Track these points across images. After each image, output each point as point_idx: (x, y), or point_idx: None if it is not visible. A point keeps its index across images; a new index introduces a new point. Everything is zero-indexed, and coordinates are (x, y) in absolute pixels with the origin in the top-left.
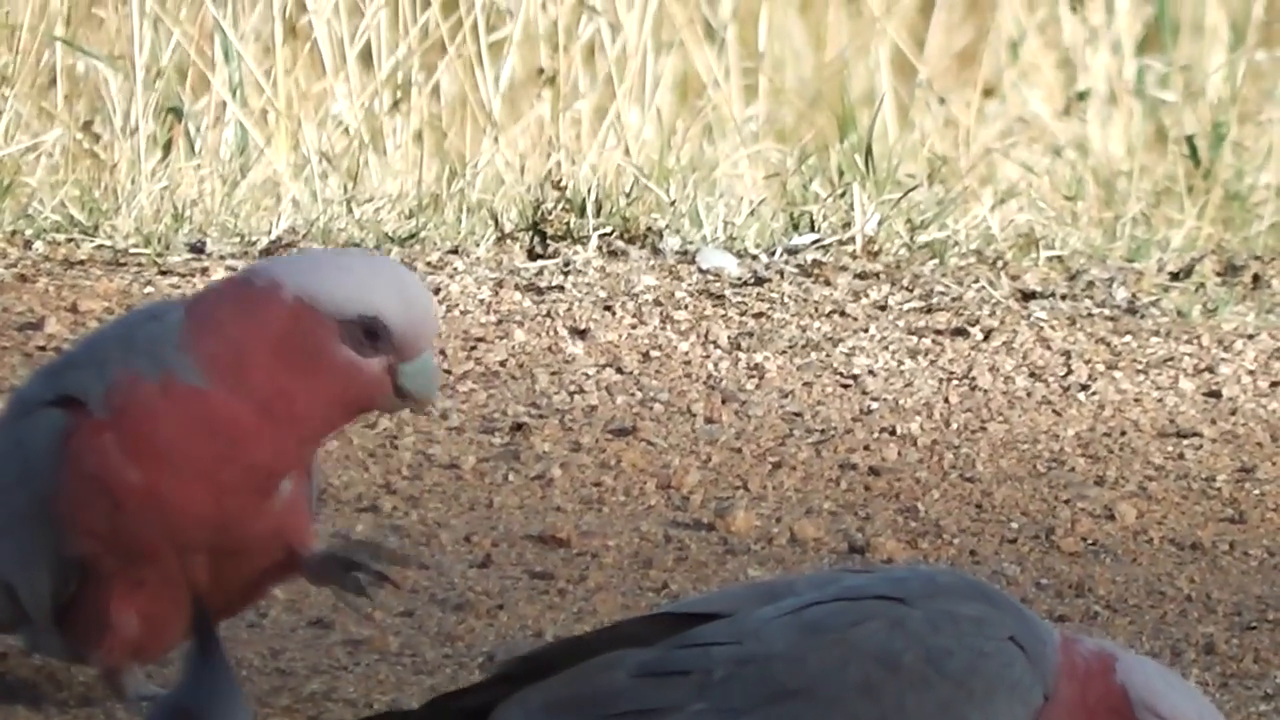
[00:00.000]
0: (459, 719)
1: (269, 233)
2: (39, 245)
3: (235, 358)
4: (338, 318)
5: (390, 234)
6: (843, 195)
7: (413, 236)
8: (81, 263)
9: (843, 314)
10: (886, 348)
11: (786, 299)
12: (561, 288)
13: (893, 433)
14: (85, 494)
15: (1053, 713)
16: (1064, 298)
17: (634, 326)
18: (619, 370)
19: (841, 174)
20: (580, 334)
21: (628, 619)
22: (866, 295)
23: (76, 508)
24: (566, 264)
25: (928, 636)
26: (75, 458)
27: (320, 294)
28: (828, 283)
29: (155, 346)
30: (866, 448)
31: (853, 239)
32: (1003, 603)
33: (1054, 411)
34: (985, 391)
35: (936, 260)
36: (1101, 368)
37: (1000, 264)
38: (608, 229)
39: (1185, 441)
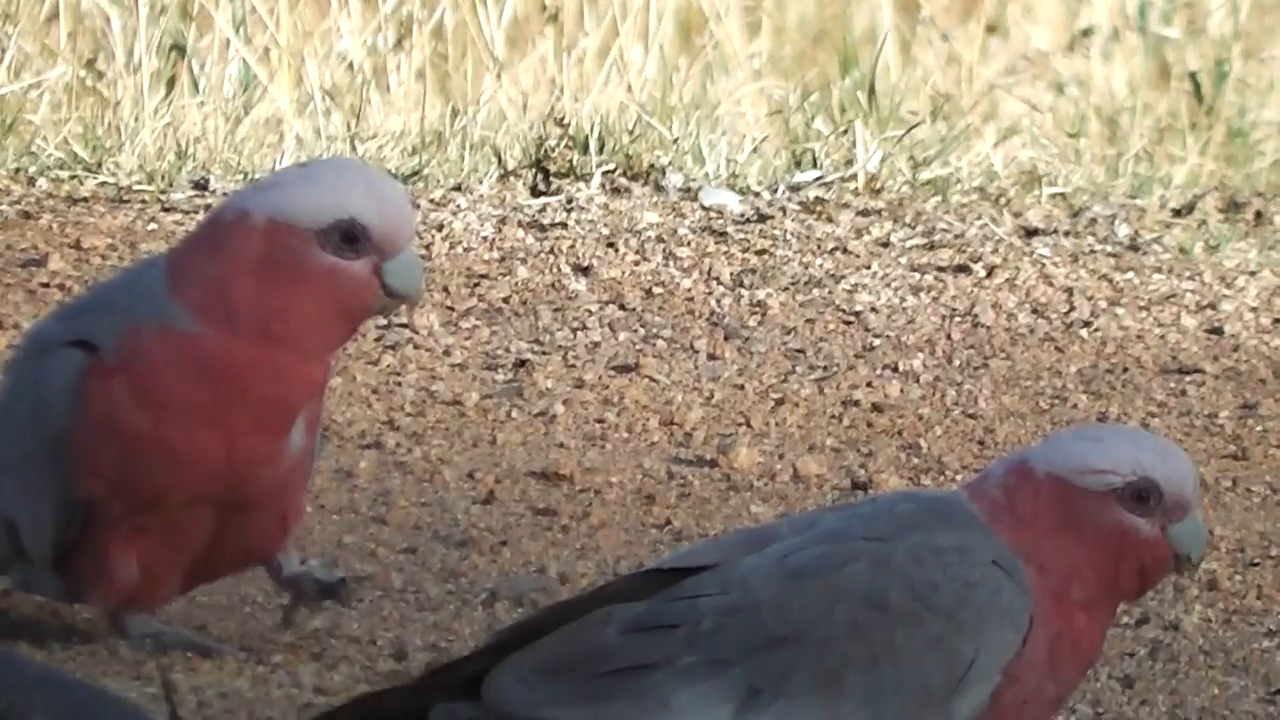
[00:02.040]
0: (455, 689)
1: (272, 169)
2: (42, 182)
3: (220, 295)
4: (314, 228)
5: (393, 171)
6: (845, 132)
7: (416, 174)
8: (85, 200)
9: (845, 251)
10: (889, 284)
11: (789, 236)
12: (564, 225)
13: (895, 369)
14: (97, 437)
15: (1035, 604)
16: (1066, 234)
17: (637, 263)
18: (622, 307)
19: (844, 111)
20: (583, 271)
21: (615, 578)
22: (869, 232)
23: (88, 450)
24: (569, 201)
25: (912, 572)
26: (89, 401)
27: (292, 208)
28: (830, 220)
29: (152, 295)
30: (869, 384)
31: (855, 176)
32: (970, 522)
33: (1056, 348)
34: (987, 328)
35: (939, 197)
36: (1104, 304)
37: (1003, 201)
38: (610, 166)
39: (1187, 378)
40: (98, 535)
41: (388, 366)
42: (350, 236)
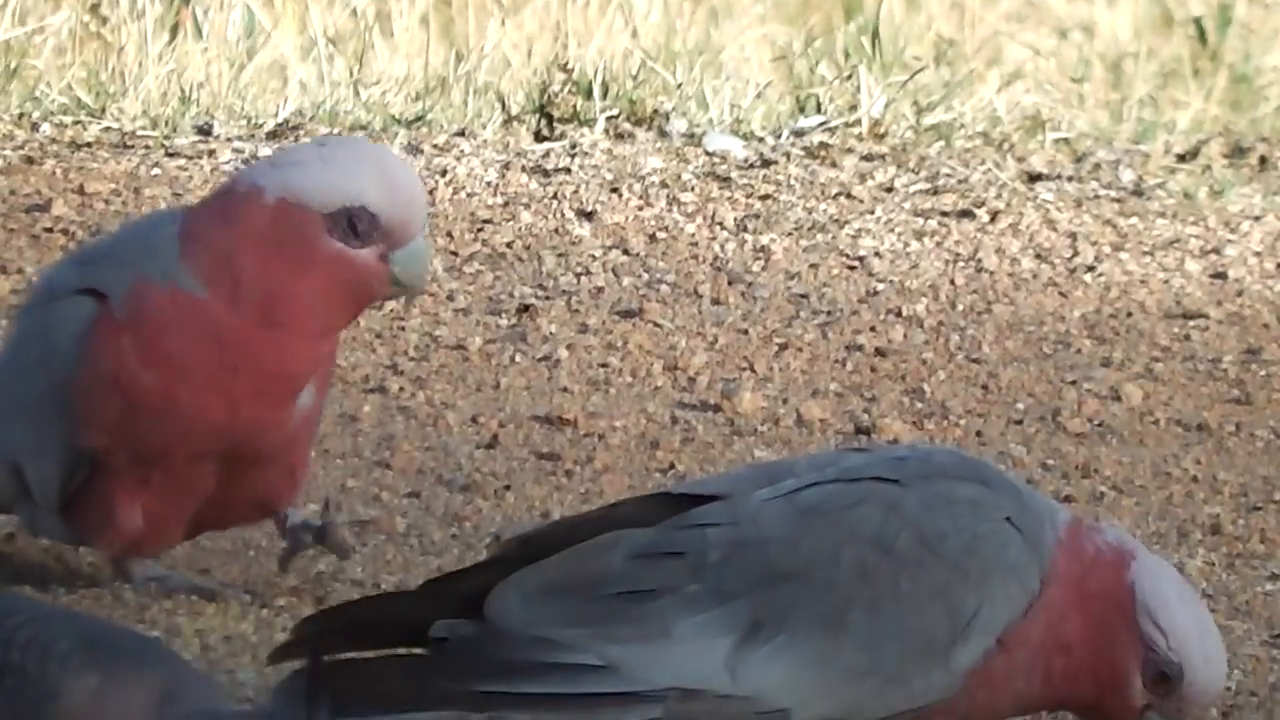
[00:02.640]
0: (456, 602)
1: (276, 115)
2: (46, 128)
3: (227, 267)
4: (323, 211)
5: (397, 116)
6: (849, 78)
7: (419, 119)
8: (89, 145)
9: (849, 196)
10: (893, 230)
11: (793, 181)
12: (568, 170)
13: (899, 314)
14: (102, 390)
15: (1050, 594)
16: (1070, 180)
17: (640, 209)
18: (626, 252)
19: (848, 56)
20: (587, 216)
21: (625, 500)
22: (872, 177)
23: (92, 401)
24: (573, 146)
25: (922, 519)
26: (95, 352)
27: (304, 189)
28: (834, 165)
29: (163, 254)
30: (873, 329)
31: (859, 121)
32: (1001, 484)
33: (1060, 293)
34: (991, 273)
35: (943, 142)
36: (1108, 249)
37: (1006, 146)
38: (614, 112)
39: (1191, 323)
40: (102, 483)
41: (391, 311)
42: (359, 224)
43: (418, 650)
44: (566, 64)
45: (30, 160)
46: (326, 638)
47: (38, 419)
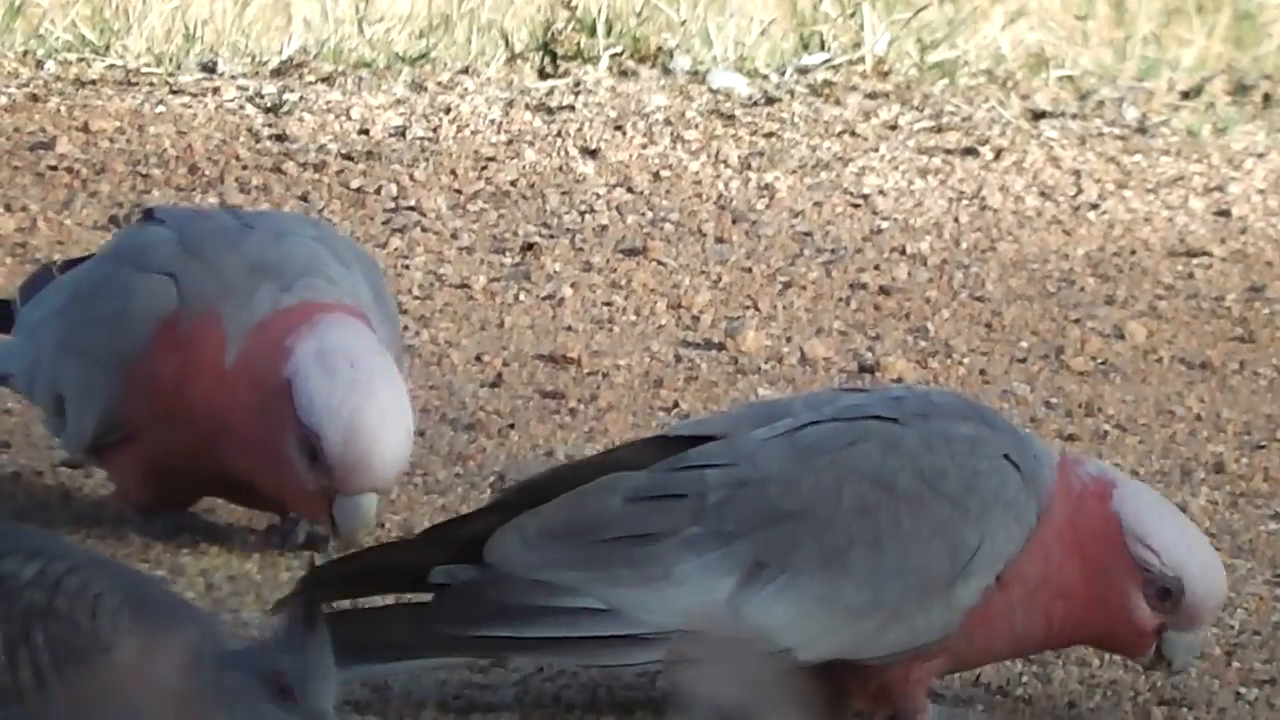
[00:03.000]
0: (456, 548)
1: (280, 52)
2: (50, 65)
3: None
4: (300, 419)
5: (400, 54)
6: (853, 15)
7: (423, 56)
8: (93, 82)
9: (853, 134)
10: (896, 167)
11: (797, 119)
12: (572, 108)
13: (903, 252)
14: (152, 384)
15: (1043, 531)
16: (1074, 117)
17: (644, 146)
18: (629, 190)
19: None
20: (591, 154)
21: (623, 444)
22: (876, 115)
23: (143, 388)
24: (577, 84)
25: (922, 456)
26: (159, 349)
27: (299, 379)
28: (838, 102)
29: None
30: (876, 267)
31: (863, 59)
32: (998, 423)
33: (1064, 231)
34: (995, 211)
35: (947, 80)
36: (1111, 187)
37: (1010, 83)
38: (618, 49)
39: (1195, 260)
40: (127, 450)
41: (395, 250)
42: (311, 452)
43: (420, 597)
44: (570, 1)
45: (35, 98)
46: (331, 585)
47: (92, 371)
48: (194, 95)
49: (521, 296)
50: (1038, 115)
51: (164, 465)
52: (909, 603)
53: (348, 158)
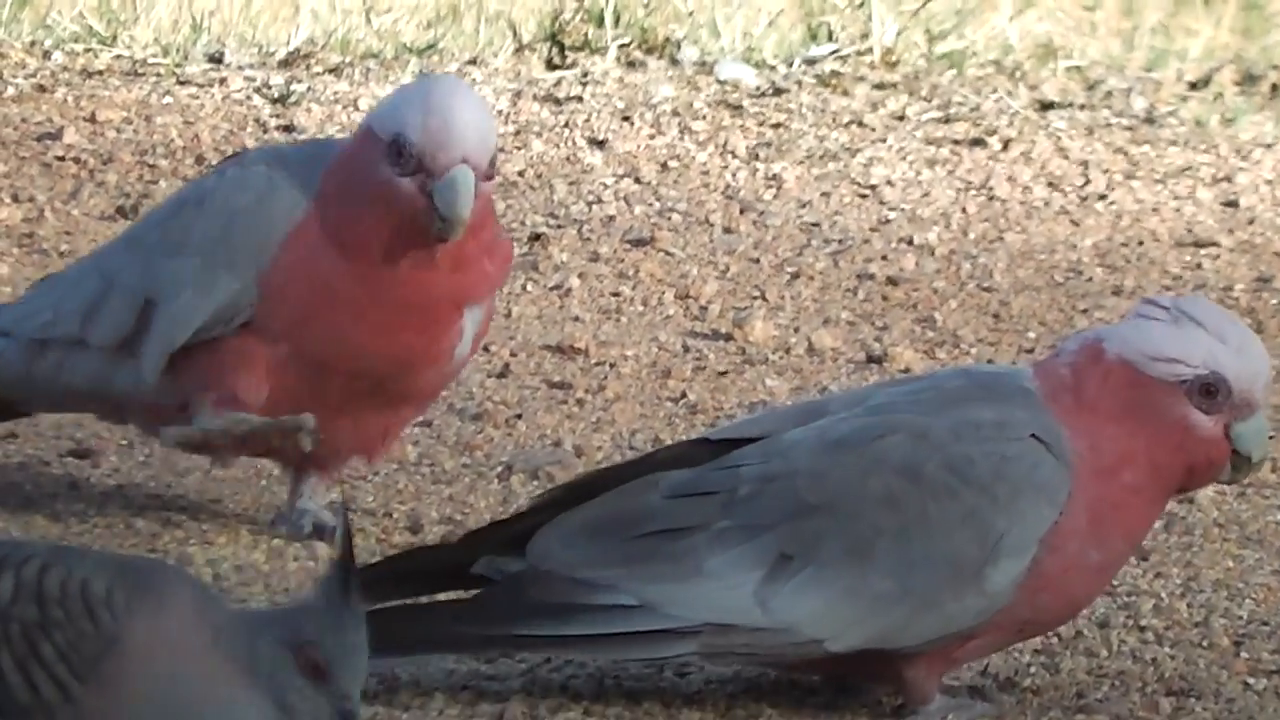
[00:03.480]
0: (499, 548)
1: (287, 43)
2: (58, 55)
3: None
4: (382, 137)
5: (408, 44)
6: (861, 5)
7: (431, 47)
8: (100, 73)
9: (860, 124)
10: (904, 158)
11: (804, 109)
12: (580, 98)
13: (910, 242)
14: (292, 284)
15: (1076, 470)
16: (1082, 108)
17: (652, 137)
18: (637, 180)
19: None
20: (598, 144)
21: (667, 445)
22: (884, 105)
23: (278, 287)
24: (585, 74)
25: (949, 445)
26: (293, 247)
27: (373, 116)
28: (846, 93)
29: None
30: (884, 257)
31: (871, 49)
32: (1011, 393)
33: (1071, 221)
34: (1003, 201)
35: (954, 70)
36: (1119, 177)
37: (1018, 74)
38: (626, 39)
39: (1203, 251)
40: (240, 348)
41: None
42: (399, 152)
43: (461, 595)
44: None
45: (42, 88)
46: (372, 586)
47: (213, 264)
48: (201, 86)
49: (529, 287)
50: (1046, 106)
51: (288, 366)
52: (939, 590)
53: None
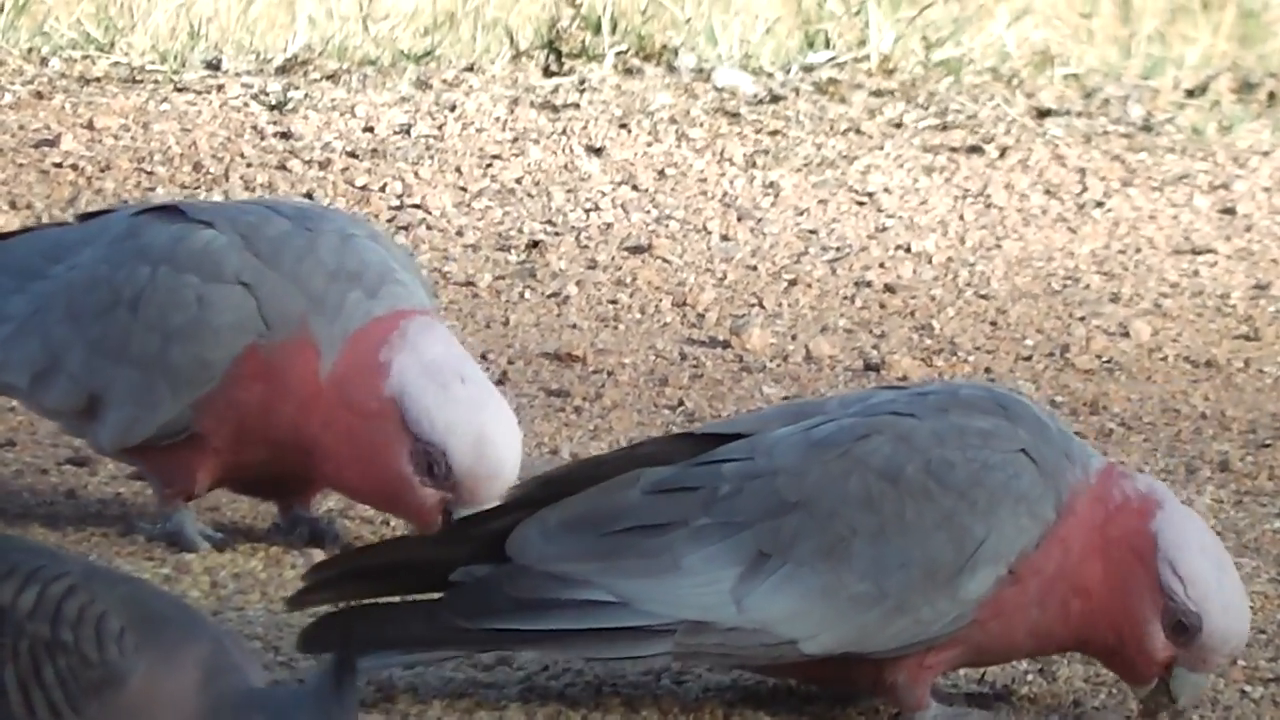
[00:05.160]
0: (479, 542)
1: (284, 50)
2: (55, 62)
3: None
4: (415, 434)
5: (405, 52)
6: (858, 13)
7: (428, 54)
8: (97, 80)
9: (858, 132)
10: (902, 165)
11: (802, 117)
12: (577, 105)
13: (908, 250)
14: (238, 406)
15: (1067, 527)
16: (1079, 115)
17: (649, 144)
18: (634, 188)
19: None
20: (596, 152)
21: (649, 439)
22: (882, 113)
23: (223, 406)
24: (582, 82)
25: (932, 449)
26: (242, 374)
27: (417, 410)
28: (843, 100)
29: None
30: (882, 265)
31: (868, 56)
32: (1026, 418)
33: (1069, 229)
34: (1000, 209)
35: (952, 78)
36: (1116, 185)
37: (1016, 81)
38: (623, 47)
39: (1200, 258)
40: (188, 450)
41: (401, 247)
42: (433, 466)
43: (438, 595)
44: None
45: (39, 95)
46: (352, 581)
47: (153, 381)
48: (199, 93)
49: (526, 294)
50: (1043, 113)
51: (232, 467)
52: (913, 594)
53: (352, 155)
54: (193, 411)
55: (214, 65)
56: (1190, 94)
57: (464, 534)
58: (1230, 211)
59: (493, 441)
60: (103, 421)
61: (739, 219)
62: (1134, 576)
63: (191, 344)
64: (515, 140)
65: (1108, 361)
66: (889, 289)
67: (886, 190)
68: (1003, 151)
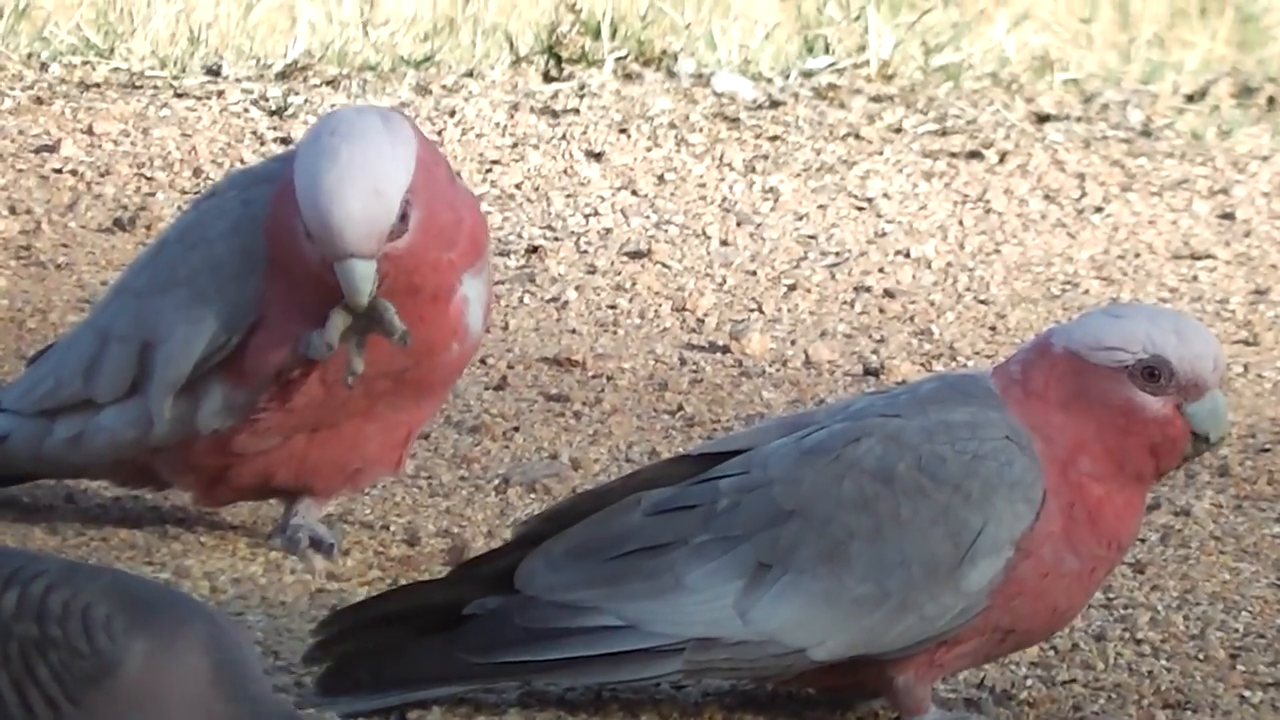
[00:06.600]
0: (489, 582)
1: (284, 55)
2: (55, 68)
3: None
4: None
5: (405, 57)
6: (858, 18)
7: (428, 59)
8: (97, 85)
9: (857, 137)
10: (901, 171)
11: (801, 122)
12: (577, 110)
13: (907, 255)
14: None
15: (1045, 469)
16: (1078, 120)
17: (649, 149)
18: (634, 193)
19: None
20: (595, 157)
21: (648, 465)
22: (881, 118)
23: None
24: (582, 87)
25: (921, 445)
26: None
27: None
28: (842, 106)
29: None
30: (881, 270)
31: (867, 62)
32: (990, 400)
33: (1068, 234)
34: (999, 214)
35: (951, 83)
36: (1116, 190)
37: (1015, 87)
38: (623, 52)
39: (1199, 263)
40: (259, 342)
41: None
42: (308, 234)
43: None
44: (575, 4)
45: (39, 100)
46: (365, 626)
47: (202, 293)
48: (198, 98)
49: (526, 299)
50: (1042, 118)
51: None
52: (915, 591)
53: None
54: (254, 309)
55: (214, 71)
56: (1189, 99)
57: (474, 575)
58: (1229, 216)
59: (324, 189)
60: (154, 376)
61: (738, 224)
62: (1085, 392)
63: (234, 237)
64: (515, 145)
65: None
66: (888, 294)
67: (886, 195)
68: (1002, 157)
